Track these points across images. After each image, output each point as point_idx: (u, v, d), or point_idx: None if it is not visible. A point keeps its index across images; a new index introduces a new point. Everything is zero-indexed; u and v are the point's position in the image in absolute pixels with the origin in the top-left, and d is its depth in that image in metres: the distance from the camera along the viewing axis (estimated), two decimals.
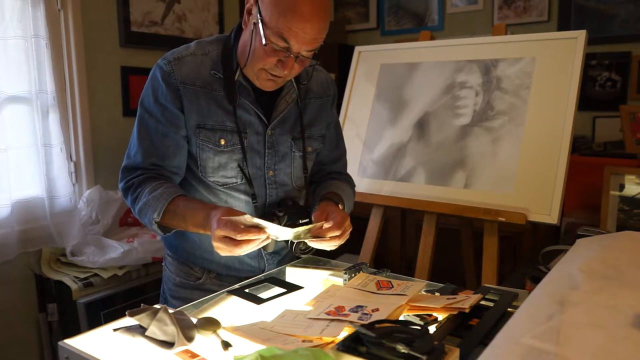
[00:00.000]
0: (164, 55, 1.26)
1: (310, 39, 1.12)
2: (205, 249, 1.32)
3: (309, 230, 1.16)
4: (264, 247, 1.18)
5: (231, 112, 1.24)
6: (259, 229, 1.04)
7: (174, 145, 1.24)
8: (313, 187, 1.45)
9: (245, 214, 1.04)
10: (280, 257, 1.40)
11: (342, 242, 1.21)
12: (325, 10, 1.13)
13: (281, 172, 1.32)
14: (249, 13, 1.18)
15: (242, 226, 1.03)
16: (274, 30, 1.11)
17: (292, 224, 1.23)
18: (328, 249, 1.21)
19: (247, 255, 1.30)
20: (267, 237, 1.07)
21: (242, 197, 1.29)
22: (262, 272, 1.35)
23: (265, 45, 1.12)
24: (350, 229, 1.21)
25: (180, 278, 1.38)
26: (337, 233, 1.18)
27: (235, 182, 1.27)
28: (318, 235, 1.17)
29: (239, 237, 1.02)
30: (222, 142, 1.24)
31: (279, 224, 1.23)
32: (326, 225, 1.17)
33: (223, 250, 1.06)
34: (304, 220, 1.24)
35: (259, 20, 1.12)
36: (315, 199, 1.39)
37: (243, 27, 1.23)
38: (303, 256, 1.29)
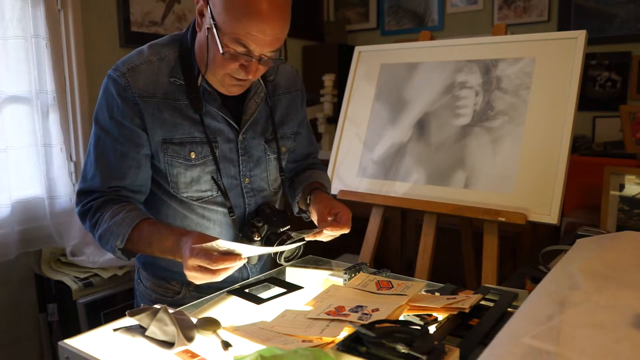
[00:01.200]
0: (115, 64, 1.14)
1: (271, 41, 1.03)
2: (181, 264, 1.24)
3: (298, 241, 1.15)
4: (247, 261, 1.12)
5: (198, 121, 1.14)
6: (234, 255, 0.97)
7: (135, 166, 1.14)
8: (289, 182, 1.42)
9: (217, 238, 0.96)
10: (261, 264, 1.35)
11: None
12: (285, 5, 1.04)
13: (257, 178, 1.25)
14: (201, 15, 1.08)
15: (216, 253, 0.96)
16: (230, 36, 1.02)
17: (273, 235, 1.19)
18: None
19: None
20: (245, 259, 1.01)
21: (220, 209, 1.22)
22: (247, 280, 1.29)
23: (223, 54, 1.03)
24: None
25: (156, 294, 1.29)
26: (347, 231, 1.16)
27: (210, 195, 1.20)
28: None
29: (214, 267, 0.95)
30: (193, 155, 1.15)
31: (259, 234, 1.19)
32: (327, 231, 1.15)
33: (198, 280, 0.98)
34: (285, 229, 1.20)
35: (213, 26, 1.03)
36: (297, 190, 1.35)
37: (197, 29, 1.13)
38: (287, 264, 1.24)
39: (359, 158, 1.93)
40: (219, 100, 1.17)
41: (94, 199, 1.14)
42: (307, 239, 1.17)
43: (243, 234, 1.22)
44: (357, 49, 2.08)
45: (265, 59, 1.07)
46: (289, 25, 1.07)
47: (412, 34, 3.39)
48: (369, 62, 2.03)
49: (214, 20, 1.03)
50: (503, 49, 1.76)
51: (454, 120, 1.78)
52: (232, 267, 0.99)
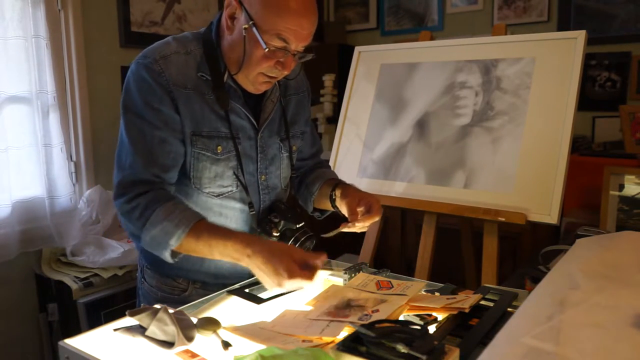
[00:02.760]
0: (142, 53, 1.15)
1: (307, 34, 1.09)
2: (194, 261, 1.21)
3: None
4: None
5: (224, 117, 1.17)
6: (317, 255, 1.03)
7: (175, 152, 1.14)
8: (298, 180, 1.45)
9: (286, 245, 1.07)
10: None
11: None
12: (315, 2, 1.11)
13: (272, 176, 1.29)
14: (232, 18, 1.12)
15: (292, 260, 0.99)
16: (271, 33, 1.07)
17: (289, 230, 1.22)
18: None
19: None
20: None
21: (238, 205, 1.23)
22: (253, 277, 1.27)
23: (266, 49, 1.07)
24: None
25: (163, 293, 1.28)
26: (378, 218, 1.20)
27: (231, 191, 1.21)
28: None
29: (313, 275, 0.99)
30: (219, 149, 1.17)
31: (277, 229, 1.22)
32: (359, 223, 1.18)
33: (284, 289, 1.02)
34: (300, 225, 1.23)
35: (252, 25, 1.07)
36: (312, 189, 1.38)
37: (227, 31, 1.15)
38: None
39: (359, 158, 1.93)
40: (242, 98, 1.20)
41: (140, 193, 1.10)
42: (342, 230, 1.20)
43: (262, 229, 1.24)
44: (357, 49, 2.08)
45: (298, 54, 1.12)
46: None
47: (412, 34, 3.39)
48: (369, 62, 2.03)
49: (251, 19, 1.07)
50: (503, 49, 1.76)
51: (454, 120, 1.78)
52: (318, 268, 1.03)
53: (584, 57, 1.60)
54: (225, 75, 1.17)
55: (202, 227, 1.07)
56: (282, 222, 1.23)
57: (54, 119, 2.24)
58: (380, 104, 1.96)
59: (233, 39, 1.14)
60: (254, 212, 1.23)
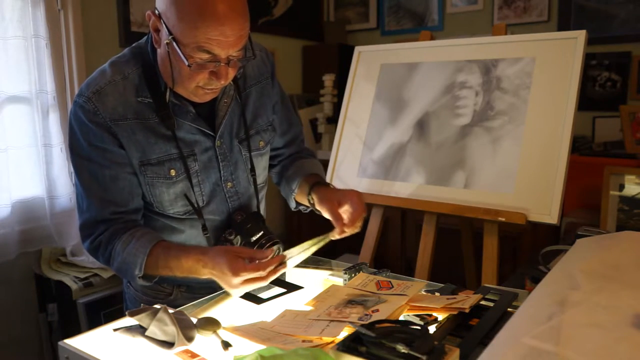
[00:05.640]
0: (80, 88, 1.10)
1: (233, 41, 0.99)
2: None
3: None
4: None
5: (172, 137, 1.11)
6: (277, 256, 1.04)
7: (128, 186, 1.11)
8: (278, 174, 1.40)
9: (237, 248, 1.04)
10: None
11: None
12: (240, 2, 1.00)
13: (240, 180, 1.23)
14: (157, 31, 1.04)
15: (247, 259, 1.01)
16: (192, 46, 0.98)
17: (247, 244, 1.17)
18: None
19: None
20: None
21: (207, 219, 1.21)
22: None
23: (189, 65, 0.99)
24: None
25: (147, 297, 1.27)
26: (363, 216, 1.16)
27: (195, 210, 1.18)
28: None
29: (265, 274, 1.00)
30: (173, 172, 1.13)
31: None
32: (348, 229, 1.14)
33: (247, 289, 1.04)
34: (257, 236, 1.18)
35: (171, 40, 0.99)
36: (292, 185, 1.32)
37: (155, 45, 1.08)
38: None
39: (359, 158, 1.93)
40: (192, 111, 1.13)
41: (100, 233, 1.12)
42: (331, 238, 1.16)
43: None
44: (357, 49, 2.08)
45: (233, 60, 1.03)
46: (249, 21, 1.03)
47: (412, 34, 3.39)
48: (369, 62, 2.03)
49: (170, 33, 0.99)
50: (503, 49, 1.76)
51: (454, 120, 1.78)
52: (279, 270, 1.04)
53: (584, 57, 1.60)
54: (167, 93, 1.10)
55: (159, 251, 1.08)
56: (237, 238, 1.19)
57: (54, 119, 2.24)
58: (380, 104, 1.96)
59: (161, 54, 1.07)
60: (207, 235, 1.18)
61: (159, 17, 1.01)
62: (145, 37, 1.15)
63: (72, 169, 2.26)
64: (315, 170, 1.33)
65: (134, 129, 1.09)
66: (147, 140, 1.10)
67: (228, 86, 1.17)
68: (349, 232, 1.16)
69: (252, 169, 1.24)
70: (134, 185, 1.13)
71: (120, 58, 1.13)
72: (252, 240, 1.17)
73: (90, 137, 1.08)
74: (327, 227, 1.17)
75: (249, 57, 1.08)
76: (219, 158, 1.19)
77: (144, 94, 1.10)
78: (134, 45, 1.16)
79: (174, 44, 0.99)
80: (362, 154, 1.93)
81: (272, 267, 1.01)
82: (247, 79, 1.24)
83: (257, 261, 1.01)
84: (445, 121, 1.80)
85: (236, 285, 1.01)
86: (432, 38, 1.97)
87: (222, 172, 1.20)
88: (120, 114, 1.08)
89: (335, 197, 1.19)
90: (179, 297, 1.26)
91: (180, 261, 1.06)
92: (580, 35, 1.62)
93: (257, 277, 1.01)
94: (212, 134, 1.16)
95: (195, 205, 1.16)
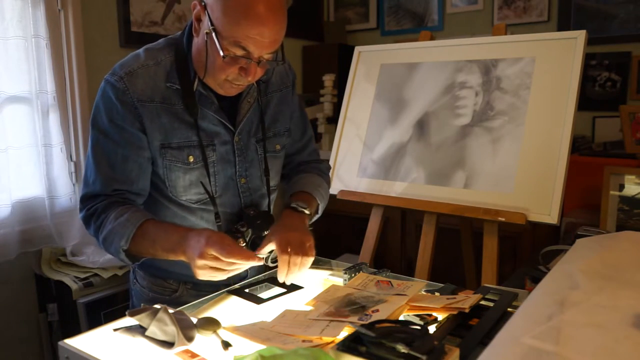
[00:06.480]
0: (112, 68, 1.15)
1: (269, 43, 1.05)
2: (183, 264, 1.17)
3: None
4: None
5: (194, 125, 1.16)
6: (247, 253, 1.03)
7: (137, 169, 1.15)
8: (286, 182, 1.42)
9: (227, 236, 1.03)
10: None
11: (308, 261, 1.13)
12: (281, 8, 1.06)
13: (253, 177, 1.27)
14: (198, 20, 1.10)
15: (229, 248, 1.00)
16: (230, 40, 1.04)
17: (258, 238, 1.19)
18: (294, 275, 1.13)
19: None
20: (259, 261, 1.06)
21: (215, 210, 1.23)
22: (245, 279, 1.29)
23: (223, 57, 1.05)
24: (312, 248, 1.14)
25: (154, 293, 1.29)
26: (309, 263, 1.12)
27: (207, 198, 1.21)
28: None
29: (226, 259, 0.99)
30: (191, 158, 1.17)
31: (244, 239, 1.20)
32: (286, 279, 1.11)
33: (206, 274, 1.02)
34: (268, 232, 1.18)
35: (212, 30, 1.04)
36: (288, 197, 1.34)
37: (194, 34, 1.14)
38: (272, 265, 1.19)
39: (359, 158, 1.93)
40: (216, 103, 1.18)
41: (98, 202, 1.15)
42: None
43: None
44: (357, 49, 2.08)
45: (263, 61, 1.08)
46: (286, 28, 1.09)
47: (412, 34, 3.39)
48: (369, 62, 2.03)
49: (212, 24, 1.04)
50: (503, 49, 1.76)
51: (453, 120, 1.78)
52: (242, 265, 1.03)
53: (584, 57, 1.60)
54: (196, 82, 1.15)
55: (149, 225, 1.10)
56: (249, 231, 1.20)
57: (54, 119, 2.24)
58: (380, 104, 1.96)
59: (198, 43, 1.12)
60: (220, 223, 1.21)
61: (204, 7, 1.06)
62: (179, 32, 1.21)
63: (72, 169, 2.26)
64: (310, 189, 1.32)
65: (159, 112, 1.14)
66: (171, 124, 1.15)
67: (252, 88, 1.23)
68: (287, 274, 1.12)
69: (267, 170, 1.28)
70: (143, 170, 1.16)
71: (155, 45, 1.20)
72: (262, 235, 1.19)
73: (113, 113, 1.12)
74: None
75: (279, 61, 1.14)
76: (236, 153, 1.22)
77: (173, 80, 1.15)
78: (169, 36, 1.23)
79: (214, 34, 1.04)
80: (362, 154, 1.93)
81: (235, 260, 1.01)
82: (269, 85, 1.29)
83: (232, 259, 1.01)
84: (445, 121, 1.80)
85: (202, 255, 1.00)
86: (432, 38, 1.97)
87: (237, 167, 1.23)
88: (148, 96, 1.12)
89: (286, 237, 1.13)
90: (185, 294, 1.28)
91: (168, 233, 1.08)
92: (580, 35, 1.62)
93: (220, 259, 1.00)
94: (232, 128, 1.21)
95: (211, 193, 1.19)
